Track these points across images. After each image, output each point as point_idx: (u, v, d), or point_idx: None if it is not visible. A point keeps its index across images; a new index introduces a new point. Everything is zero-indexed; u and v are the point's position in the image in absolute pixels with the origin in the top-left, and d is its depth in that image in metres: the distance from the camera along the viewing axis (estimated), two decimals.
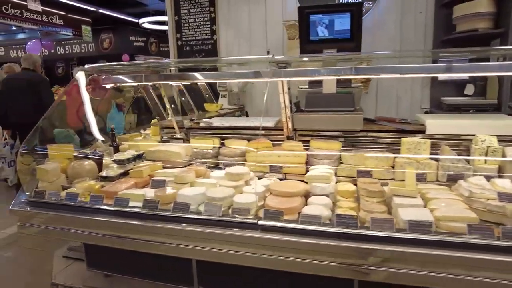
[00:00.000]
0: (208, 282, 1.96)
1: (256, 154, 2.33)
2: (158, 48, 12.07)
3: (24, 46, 11.57)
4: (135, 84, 3.48)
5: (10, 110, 4.40)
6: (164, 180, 2.06)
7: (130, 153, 2.43)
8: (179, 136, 2.77)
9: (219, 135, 2.65)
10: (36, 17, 7.03)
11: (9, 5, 6.37)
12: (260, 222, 1.58)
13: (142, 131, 3.68)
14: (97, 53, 10.68)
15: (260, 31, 4.17)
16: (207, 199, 1.77)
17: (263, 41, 4.18)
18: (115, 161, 2.32)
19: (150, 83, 2.77)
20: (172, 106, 2.64)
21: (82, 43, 10.73)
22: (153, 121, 3.23)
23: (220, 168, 2.35)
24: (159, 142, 2.81)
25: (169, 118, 3.05)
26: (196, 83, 4.29)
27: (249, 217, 1.62)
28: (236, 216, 1.64)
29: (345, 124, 2.34)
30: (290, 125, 2.37)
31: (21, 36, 10.23)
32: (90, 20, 8.40)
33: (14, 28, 9.15)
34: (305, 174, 2.25)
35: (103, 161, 2.49)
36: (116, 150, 2.86)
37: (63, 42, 10.79)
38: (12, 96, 4.35)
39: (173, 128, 2.81)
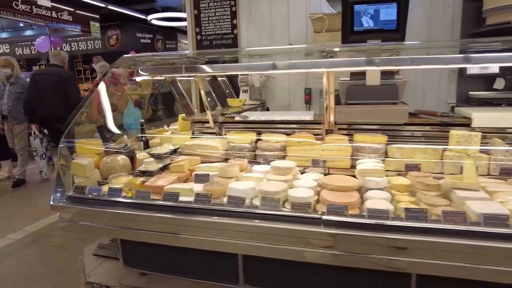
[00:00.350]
0: (255, 280, 1.88)
1: (298, 148, 2.25)
2: (164, 45, 11.98)
3: (29, 43, 11.47)
4: (161, 77, 3.42)
5: (38, 105, 4.47)
6: (208, 175, 1.99)
7: (167, 148, 2.35)
8: (212, 131, 2.70)
9: (254, 129, 2.57)
10: (46, 13, 6.93)
11: (19, 0, 6.27)
12: (324, 217, 1.51)
13: (165, 127, 3.61)
14: (103, 50, 10.56)
15: (282, 24, 4.09)
16: (262, 193, 1.70)
17: (285, 35, 4.11)
18: (153, 155, 2.24)
19: (179, 76, 2.69)
20: (208, 99, 2.56)
21: (88, 40, 10.63)
22: (181, 115, 3.15)
23: (258, 163, 2.28)
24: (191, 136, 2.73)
25: (197, 112, 2.99)
26: (216, 78, 4.24)
27: (310, 212, 1.55)
28: (297, 210, 1.56)
29: (389, 117, 2.27)
30: (332, 119, 2.30)
31: (28, 32, 10.11)
32: (98, 16, 8.30)
33: (21, 24, 9.04)
34: (349, 168, 2.20)
35: (137, 156, 2.42)
36: (146, 144, 2.79)
37: (69, 39, 10.68)
38: (41, 92, 4.41)
39: (204, 122, 2.74)
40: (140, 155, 2.45)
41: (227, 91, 4.30)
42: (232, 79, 4.27)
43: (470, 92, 3.56)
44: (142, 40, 10.83)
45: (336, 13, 3.46)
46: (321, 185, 1.83)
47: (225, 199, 1.75)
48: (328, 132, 2.44)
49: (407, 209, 1.48)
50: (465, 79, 3.71)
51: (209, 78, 3.98)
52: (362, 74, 2.42)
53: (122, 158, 2.38)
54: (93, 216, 1.81)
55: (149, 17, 8.63)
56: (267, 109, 4.24)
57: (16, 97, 4.87)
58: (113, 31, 10.34)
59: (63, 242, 3.25)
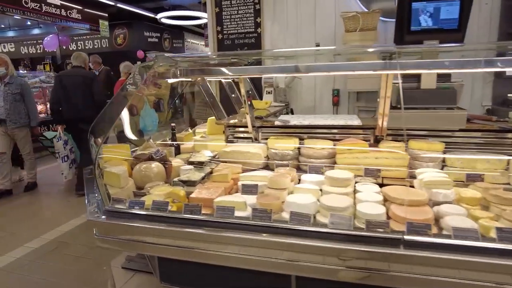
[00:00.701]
0: None
1: (349, 156, 2.09)
2: (171, 45, 11.81)
3: (35, 42, 11.30)
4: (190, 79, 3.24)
5: (64, 106, 4.49)
6: (257, 185, 1.83)
7: (206, 154, 2.19)
8: (248, 136, 2.53)
9: (294, 135, 2.41)
10: (55, 11, 6.75)
11: None
12: (407, 237, 1.34)
13: (190, 129, 3.45)
14: (110, 49, 10.40)
15: (309, 23, 3.93)
16: (327, 209, 1.54)
17: (311, 34, 3.94)
18: (192, 163, 2.08)
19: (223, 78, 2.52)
20: (249, 103, 2.40)
21: (95, 39, 10.45)
22: (210, 118, 2.99)
23: (302, 171, 2.12)
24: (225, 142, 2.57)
25: (227, 116, 2.82)
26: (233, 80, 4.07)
27: (389, 231, 1.39)
28: (373, 229, 1.40)
29: (446, 122, 2.11)
30: (385, 124, 2.13)
31: (36, 31, 9.92)
32: (106, 15, 8.13)
33: (29, 23, 8.86)
34: (404, 178, 2.04)
35: (172, 163, 2.26)
36: (177, 150, 2.62)
37: (75, 38, 10.50)
38: (67, 93, 4.43)
39: (238, 126, 2.57)
40: (174, 162, 2.29)
41: (250, 92, 4.13)
42: (255, 79, 4.11)
43: (509, 94, 3.40)
44: (149, 39, 10.66)
45: (370, 12, 3.29)
46: (387, 199, 1.67)
47: (284, 215, 1.59)
48: (377, 138, 2.27)
49: (499, 229, 1.32)
50: (502, 80, 3.55)
51: (228, 80, 3.81)
52: (414, 76, 2.26)
53: (156, 166, 2.21)
54: (137, 233, 1.64)
55: (159, 16, 8.46)
56: (292, 111, 4.08)
57: (14, 99, 4.45)
58: (121, 30, 10.16)
59: (84, 252, 3.09)
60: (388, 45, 1.85)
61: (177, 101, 5.29)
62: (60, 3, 6.81)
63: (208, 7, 4.21)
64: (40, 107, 7.52)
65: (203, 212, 1.63)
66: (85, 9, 7.63)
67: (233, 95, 3.46)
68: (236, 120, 2.62)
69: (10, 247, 3.21)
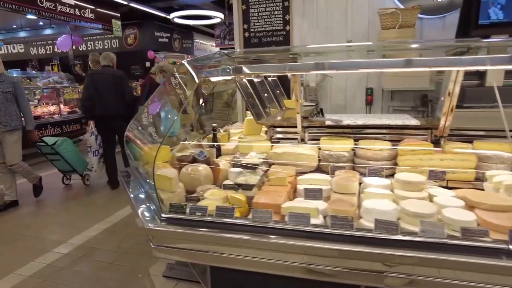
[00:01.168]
0: None
1: (412, 158, 1.97)
2: (181, 45, 11.71)
3: (45, 42, 11.21)
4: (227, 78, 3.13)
5: (97, 103, 4.54)
6: (321, 190, 1.71)
7: (256, 156, 2.07)
8: (294, 136, 2.41)
9: (342, 135, 2.29)
10: (69, 10, 6.66)
11: None
12: None
13: (221, 130, 3.34)
14: (120, 49, 10.30)
15: (340, 20, 3.81)
16: (413, 215, 1.42)
17: (343, 31, 3.82)
18: (245, 165, 1.96)
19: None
20: (300, 102, 2.28)
21: (105, 39, 10.36)
22: (248, 118, 2.88)
23: (361, 174, 2.00)
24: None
25: (273, 113, 2.70)
26: (266, 78, 3.96)
27: (491, 241, 1.26)
28: (471, 238, 1.28)
29: None
30: (447, 123, 2.01)
31: (48, 31, 9.84)
32: (119, 15, 8.03)
33: (41, 23, 8.78)
34: (472, 181, 1.92)
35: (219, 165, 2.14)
36: (218, 151, 2.51)
37: (85, 38, 10.40)
38: (99, 91, 4.51)
39: (284, 126, 2.45)
40: (224, 164, 2.17)
41: (277, 91, 4.02)
42: (283, 78, 3.99)
43: None
44: (160, 39, 10.57)
45: (410, 8, 3.17)
46: (468, 204, 1.54)
47: (363, 222, 1.47)
48: (435, 139, 2.15)
49: None
50: None
51: (258, 79, 3.70)
52: (474, 74, 2.14)
53: (204, 168, 2.10)
54: (202, 242, 1.52)
55: (172, 15, 8.36)
56: (321, 111, 3.96)
57: (5, 98, 3.93)
58: (131, 30, 10.06)
59: (115, 258, 2.97)
60: (465, 40, 1.72)
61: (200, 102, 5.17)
62: (74, 3, 6.71)
63: (234, 5, 4.10)
64: (53, 108, 7.44)
65: (275, 219, 1.52)
66: (98, 9, 7.53)
67: (265, 94, 3.35)
68: (279, 119, 2.50)
69: (37, 253, 3.10)
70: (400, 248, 1.32)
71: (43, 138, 4.74)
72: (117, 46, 10.34)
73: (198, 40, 13.08)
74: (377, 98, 3.82)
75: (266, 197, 1.67)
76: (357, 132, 2.30)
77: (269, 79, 3.94)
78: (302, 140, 2.39)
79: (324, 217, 1.56)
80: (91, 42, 10.66)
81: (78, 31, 8.50)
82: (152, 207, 1.77)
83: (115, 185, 4.80)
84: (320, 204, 1.59)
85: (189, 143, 2.93)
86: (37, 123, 6.53)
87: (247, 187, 1.82)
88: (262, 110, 2.73)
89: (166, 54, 12.41)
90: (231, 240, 1.48)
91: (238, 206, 1.68)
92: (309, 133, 2.38)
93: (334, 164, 2.10)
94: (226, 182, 2.02)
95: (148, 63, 11.29)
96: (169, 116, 2.37)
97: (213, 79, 2.43)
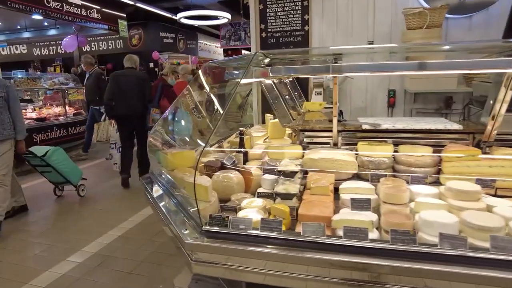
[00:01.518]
0: None
1: (458, 164, 1.86)
2: (186, 46, 11.60)
3: (48, 43, 11.08)
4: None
5: (119, 103, 4.70)
6: (369, 200, 1.60)
7: (293, 163, 1.96)
8: (326, 141, 2.30)
9: (378, 139, 2.18)
10: (76, 10, 6.55)
11: None
12: None
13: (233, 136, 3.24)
14: (125, 50, 10.17)
15: (361, 20, 3.71)
16: (479, 229, 1.30)
17: (364, 32, 3.72)
18: (283, 173, 1.84)
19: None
20: (337, 104, 2.17)
21: (109, 40, 10.23)
22: (273, 121, 2.77)
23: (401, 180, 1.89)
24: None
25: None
26: (281, 80, 3.86)
27: None
28: None
29: None
30: (495, 128, 1.90)
31: (52, 32, 9.72)
32: (125, 15, 7.92)
33: (46, 23, 8.65)
34: None
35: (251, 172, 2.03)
36: (246, 157, 2.39)
37: (89, 39, 10.29)
38: (122, 91, 4.68)
39: (317, 131, 2.34)
40: (255, 171, 2.06)
41: (296, 93, 3.91)
42: (301, 80, 3.88)
43: None
44: (165, 40, 10.45)
45: (438, 8, 3.07)
46: None
47: (423, 236, 1.36)
48: (478, 145, 2.05)
49: None
50: None
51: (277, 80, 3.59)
52: None
53: (235, 175, 1.98)
54: (249, 258, 1.41)
55: (178, 16, 8.25)
56: (341, 113, 3.85)
57: None
58: (136, 30, 9.94)
59: (133, 267, 2.86)
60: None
61: (210, 103, 5.06)
62: (81, 3, 6.60)
63: (251, 4, 3.99)
64: (58, 109, 7.32)
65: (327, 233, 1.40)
66: (104, 9, 7.42)
67: (286, 96, 3.24)
68: (310, 122, 2.39)
69: (51, 262, 2.98)
70: (469, 265, 1.22)
71: (30, 149, 4.17)
72: (122, 46, 10.21)
73: (202, 41, 12.98)
74: (399, 100, 3.71)
75: (313, 208, 1.55)
76: (393, 136, 2.19)
77: (287, 80, 3.84)
78: (335, 145, 2.28)
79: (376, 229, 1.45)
80: (95, 43, 10.53)
81: (83, 32, 8.38)
82: (186, 218, 1.66)
83: (127, 184, 4.87)
84: (372, 216, 1.48)
85: (212, 148, 2.82)
86: (42, 125, 6.42)
87: (287, 196, 1.70)
88: (288, 113, 2.62)
89: (170, 55, 12.31)
90: (282, 256, 1.37)
91: (281, 218, 1.57)
92: (343, 137, 2.27)
93: (374, 171, 1.99)
94: (260, 190, 1.91)
95: (152, 64, 11.18)
96: (207, 118, 2.27)
97: (247, 80, 2.32)
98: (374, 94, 3.79)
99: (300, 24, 3.86)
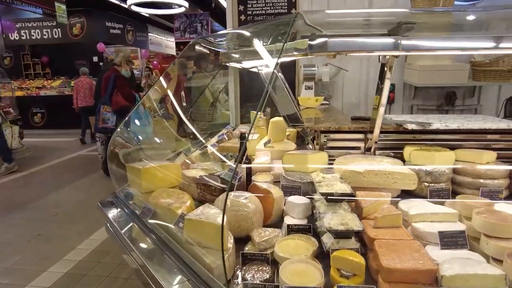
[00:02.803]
0: None
1: None
2: (135, 38, 10.48)
3: None
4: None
5: None
6: (464, 233, 1.10)
7: (334, 181, 1.38)
8: (355, 144, 1.77)
9: (413, 142, 1.71)
10: None
11: None
12: None
13: (224, 135, 2.62)
14: (64, 41, 8.84)
15: (357, 5, 3.25)
16: None
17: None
18: (325, 196, 1.26)
19: None
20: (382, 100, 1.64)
21: (44, 28, 8.78)
22: (274, 120, 2.18)
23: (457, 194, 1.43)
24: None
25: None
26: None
27: None
28: None
29: None
30: None
31: None
32: None
33: None
34: None
35: (272, 193, 1.42)
36: (249, 168, 1.76)
37: (17, 26, 8.72)
38: None
39: (340, 131, 1.80)
40: (274, 191, 1.45)
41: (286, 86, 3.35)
42: (286, 72, 3.33)
43: None
44: (112, 31, 9.27)
45: None
46: None
47: None
48: None
49: None
50: None
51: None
52: None
53: (250, 199, 1.36)
54: None
55: (129, 2, 7.24)
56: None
57: None
58: (78, 18, 8.64)
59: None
60: None
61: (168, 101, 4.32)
62: None
63: None
64: None
65: None
66: None
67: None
68: (345, 122, 1.84)
69: None
70: None
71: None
72: (60, 36, 8.81)
73: (153, 34, 11.91)
74: (397, 96, 3.33)
75: (400, 256, 0.99)
76: (441, 138, 1.72)
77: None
78: (368, 150, 1.75)
79: None
80: (26, 30, 8.99)
81: (10, 15, 7.01)
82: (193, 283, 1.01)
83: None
84: (494, 269, 0.96)
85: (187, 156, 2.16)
86: None
87: (346, 234, 1.12)
88: (297, 109, 2.04)
89: (118, 48, 11.07)
90: None
91: (350, 274, 0.99)
92: (379, 140, 1.75)
93: (432, 184, 1.50)
94: (290, 221, 1.32)
95: (96, 57, 9.91)
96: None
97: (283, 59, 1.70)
98: (370, 89, 3.37)
99: (286, 7, 3.31)
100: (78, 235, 3.17)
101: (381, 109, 1.63)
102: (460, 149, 1.61)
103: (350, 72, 3.32)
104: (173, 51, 13.77)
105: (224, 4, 4.21)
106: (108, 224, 1.46)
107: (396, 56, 1.52)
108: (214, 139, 2.67)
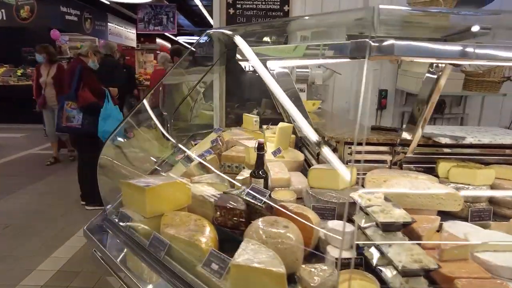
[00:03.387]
0: None
1: None
2: (93, 27, 9.65)
3: None
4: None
5: None
6: None
7: (390, 208, 1.20)
8: (382, 158, 1.62)
9: (446, 156, 1.61)
10: None
11: None
12: None
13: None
14: (8, 24, 7.83)
15: (352, 2, 3.15)
16: None
17: None
18: (382, 227, 1.07)
19: None
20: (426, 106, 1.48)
21: None
22: (283, 125, 1.97)
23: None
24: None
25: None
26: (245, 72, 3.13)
27: None
28: None
29: None
30: None
31: None
32: None
33: None
34: None
35: (309, 218, 1.21)
36: (266, 182, 1.54)
37: None
38: None
39: (372, 144, 1.64)
40: (311, 215, 1.25)
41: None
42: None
43: None
44: (67, 17, 8.40)
45: None
46: None
47: None
48: None
49: None
50: None
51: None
52: None
53: (289, 229, 1.14)
54: None
55: None
56: None
57: None
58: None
59: None
60: None
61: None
62: None
63: None
64: None
65: None
66: None
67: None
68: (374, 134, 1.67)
69: None
70: None
71: None
72: (4, 18, 7.79)
73: (113, 24, 11.07)
74: (389, 102, 3.28)
75: None
76: (465, 152, 1.63)
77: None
78: (395, 164, 1.61)
79: None
80: None
81: None
82: None
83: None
84: None
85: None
86: None
87: (417, 272, 0.95)
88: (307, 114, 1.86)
89: (74, 36, 10.13)
90: None
91: None
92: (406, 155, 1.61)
93: (473, 204, 1.39)
94: (335, 253, 1.12)
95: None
96: None
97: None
98: (360, 93, 3.28)
99: (278, 3, 3.11)
100: (36, 253, 2.69)
101: (420, 128, 1.49)
102: (496, 165, 1.52)
103: (345, 76, 3.21)
104: (133, 43, 12.96)
105: None
106: (103, 260, 1.15)
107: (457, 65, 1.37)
108: (205, 145, 2.39)
